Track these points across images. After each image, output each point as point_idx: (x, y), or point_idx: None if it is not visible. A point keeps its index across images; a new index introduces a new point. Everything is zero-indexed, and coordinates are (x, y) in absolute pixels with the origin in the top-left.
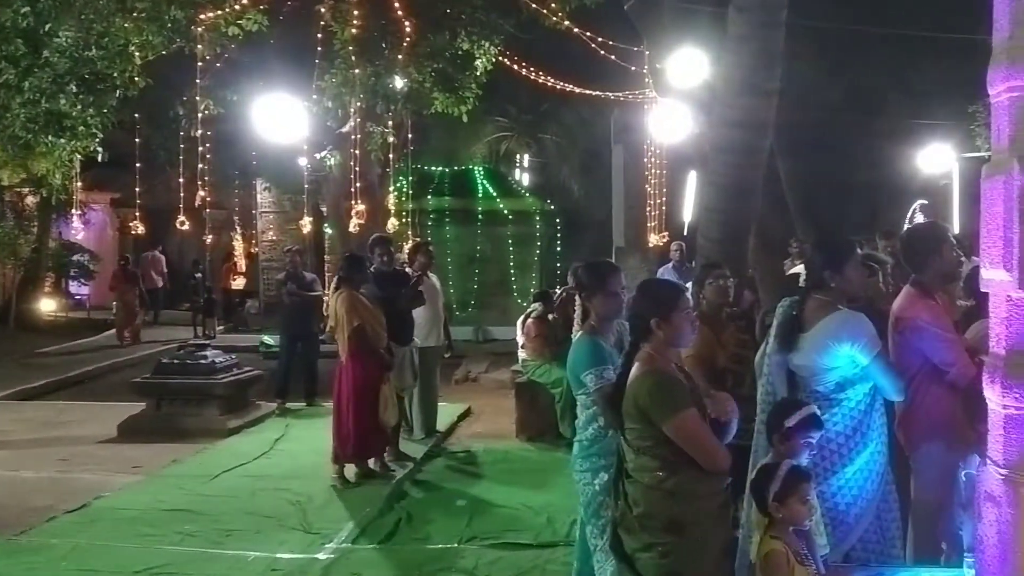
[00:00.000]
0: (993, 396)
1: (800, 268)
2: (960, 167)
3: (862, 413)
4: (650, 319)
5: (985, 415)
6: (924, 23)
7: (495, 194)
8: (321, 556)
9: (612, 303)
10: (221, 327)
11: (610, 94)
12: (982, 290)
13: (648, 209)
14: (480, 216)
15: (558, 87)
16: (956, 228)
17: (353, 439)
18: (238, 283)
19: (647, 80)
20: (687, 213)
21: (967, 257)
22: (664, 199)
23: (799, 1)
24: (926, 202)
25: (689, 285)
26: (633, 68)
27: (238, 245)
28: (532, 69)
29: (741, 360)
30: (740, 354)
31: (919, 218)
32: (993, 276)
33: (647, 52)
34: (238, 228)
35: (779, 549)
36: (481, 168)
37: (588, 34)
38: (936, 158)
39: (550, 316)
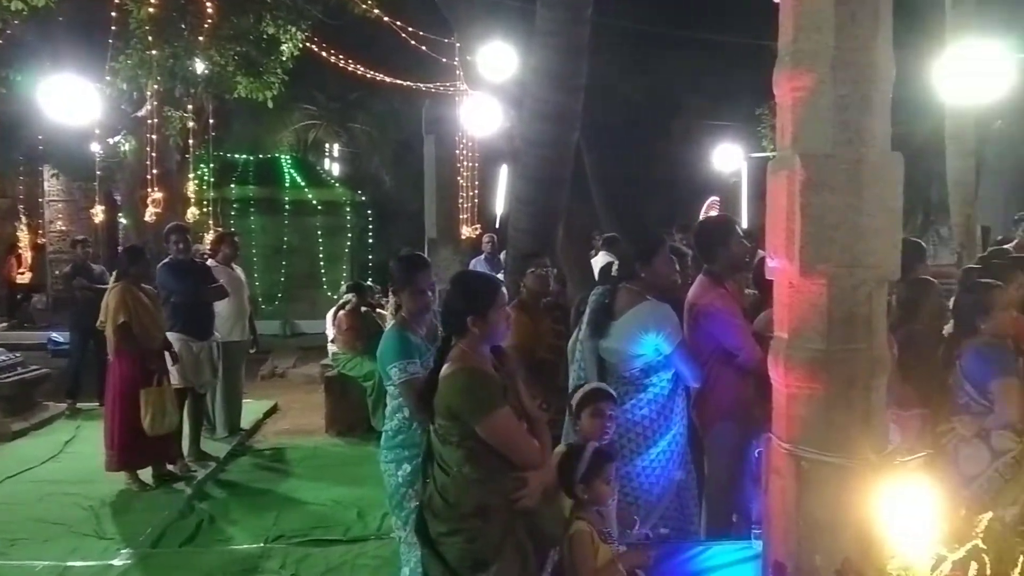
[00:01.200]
0: (777, 377)
1: (604, 258)
2: (748, 166)
3: (665, 398)
4: (465, 316)
5: (771, 394)
6: (717, 28)
7: (303, 183)
8: (116, 562)
9: (419, 300)
10: (4, 323)
11: (421, 85)
12: (767, 278)
13: (460, 201)
14: (287, 206)
15: (368, 76)
16: (745, 222)
17: (117, 446)
18: (23, 277)
19: (458, 72)
20: (499, 205)
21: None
22: (476, 191)
23: (604, 0)
24: (718, 198)
25: (500, 276)
26: (444, 60)
27: (23, 236)
28: (341, 56)
29: (557, 351)
30: (556, 345)
31: (713, 213)
32: (777, 265)
33: (458, 44)
34: (23, 218)
35: (584, 529)
36: (288, 157)
37: (399, 23)
38: (728, 157)
39: (362, 308)
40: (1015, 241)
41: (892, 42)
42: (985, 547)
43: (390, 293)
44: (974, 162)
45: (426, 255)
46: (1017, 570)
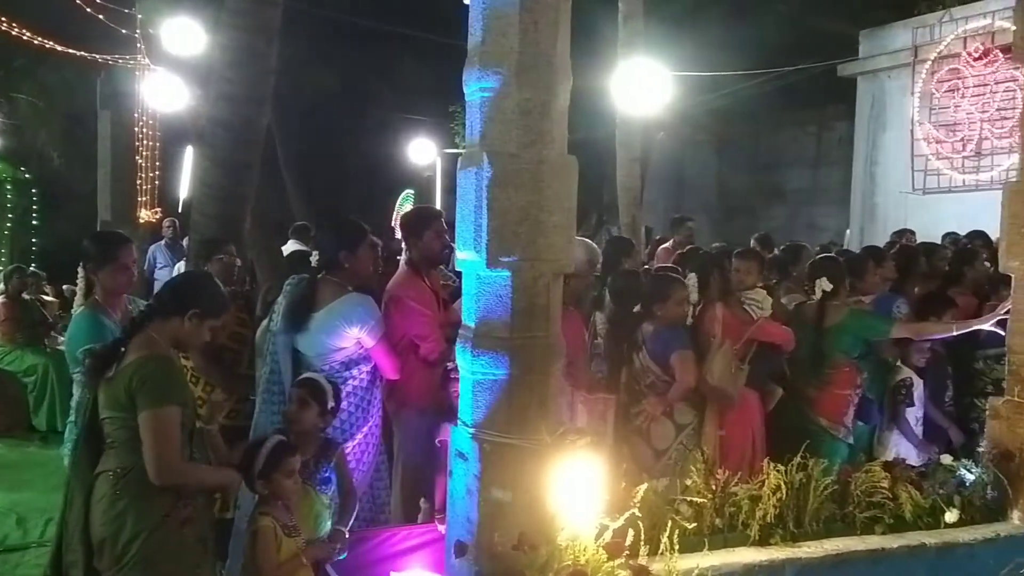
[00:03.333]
0: (464, 364)
1: (294, 246)
2: (442, 161)
3: (364, 391)
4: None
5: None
6: (414, 23)
7: None
8: None
9: (122, 277)
10: None
11: (98, 56)
12: (457, 269)
13: (139, 183)
14: None
15: (36, 42)
16: None
17: None
18: None
19: (139, 45)
20: (183, 189)
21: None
22: (157, 173)
23: None
24: (412, 192)
25: (182, 264)
26: (124, 31)
27: None
28: (3, 19)
29: (240, 339)
30: (239, 333)
31: (408, 205)
32: (466, 257)
33: (139, 15)
34: None
35: (267, 525)
36: None
37: None
38: (423, 151)
39: (25, 296)
40: (671, 240)
41: (570, 52)
42: (640, 515)
43: (81, 274)
44: (639, 168)
45: None
46: (666, 534)
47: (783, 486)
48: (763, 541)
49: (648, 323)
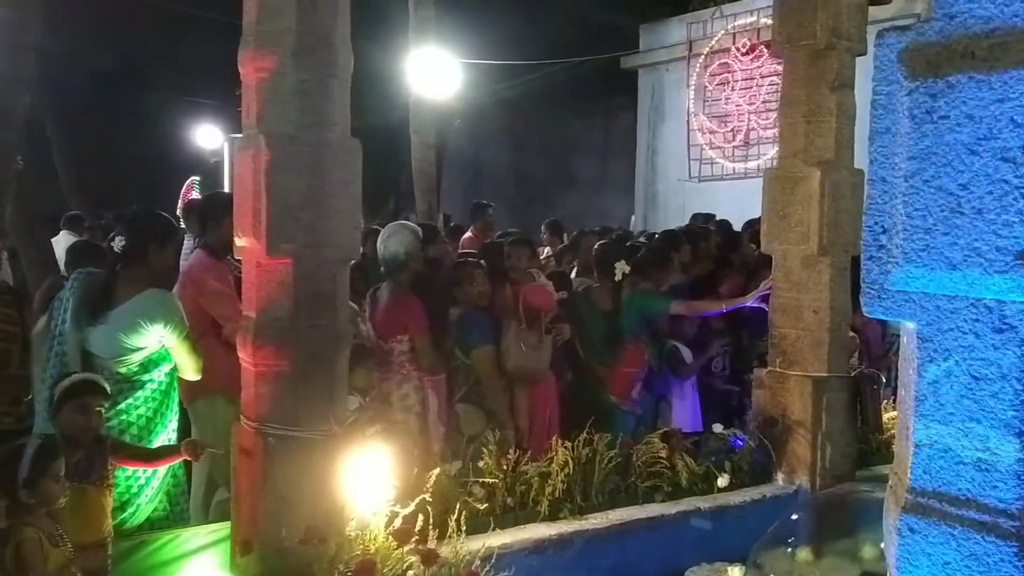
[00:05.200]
0: (246, 356)
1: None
2: (229, 145)
3: (162, 394)
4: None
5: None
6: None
7: None
8: None
9: None
10: None
11: None
12: (237, 256)
13: None
14: None
15: None
16: None
17: None
18: None
19: None
20: None
21: None
22: None
23: None
24: (199, 178)
25: None
26: None
27: None
28: None
29: (10, 337)
30: (8, 331)
31: (194, 193)
32: (245, 244)
33: None
34: None
35: (32, 536)
36: None
37: None
38: (209, 136)
39: None
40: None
41: (362, 36)
42: (432, 500)
43: None
44: (434, 155)
45: None
46: (454, 516)
47: (571, 462)
48: (553, 516)
49: (454, 308)
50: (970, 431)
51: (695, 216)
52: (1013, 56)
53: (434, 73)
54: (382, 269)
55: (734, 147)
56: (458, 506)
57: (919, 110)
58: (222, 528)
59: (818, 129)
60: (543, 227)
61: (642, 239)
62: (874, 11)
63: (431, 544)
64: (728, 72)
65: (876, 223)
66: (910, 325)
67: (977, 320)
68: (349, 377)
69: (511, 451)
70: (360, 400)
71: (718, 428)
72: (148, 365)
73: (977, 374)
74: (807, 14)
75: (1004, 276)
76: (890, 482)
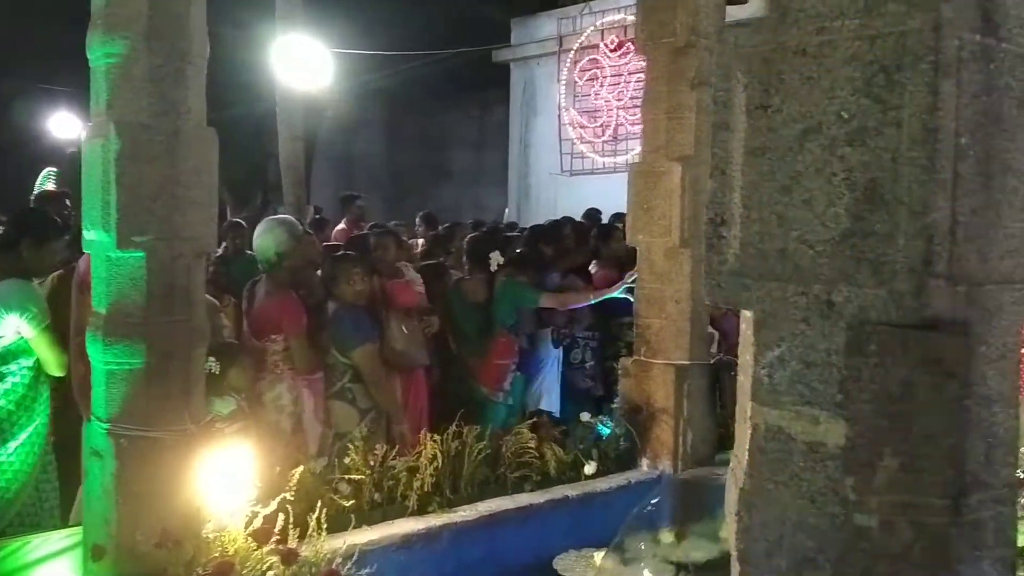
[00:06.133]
0: (96, 355)
1: None
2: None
3: (27, 387)
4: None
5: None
6: None
7: None
8: None
9: None
10: None
11: None
12: (85, 250)
13: None
14: None
15: None
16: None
17: None
18: None
19: None
20: None
21: None
22: None
23: None
24: (55, 170)
25: None
26: None
27: None
28: None
29: None
30: None
31: (50, 184)
32: (94, 237)
33: None
34: None
35: None
36: None
37: None
38: (65, 125)
39: None
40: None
41: (226, 23)
42: (295, 498)
43: None
44: (303, 146)
45: None
46: (316, 514)
47: (439, 455)
48: (422, 510)
49: (331, 303)
50: (801, 414)
51: (612, 216)
52: (841, 54)
53: (303, 63)
54: (259, 265)
55: (603, 142)
56: (320, 504)
57: (753, 105)
58: (77, 532)
59: (679, 125)
60: (417, 219)
61: (513, 233)
62: (732, 11)
63: (292, 543)
64: (597, 68)
65: (716, 215)
66: (747, 313)
67: (808, 307)
68: (225, 378)
69: (379, 446)
70: (237, 400)
71: (586, 416)
72: (7, 356)
73: (807, 359)
74: (667, 12)
75: (829, 263)
76: (731, 464)
